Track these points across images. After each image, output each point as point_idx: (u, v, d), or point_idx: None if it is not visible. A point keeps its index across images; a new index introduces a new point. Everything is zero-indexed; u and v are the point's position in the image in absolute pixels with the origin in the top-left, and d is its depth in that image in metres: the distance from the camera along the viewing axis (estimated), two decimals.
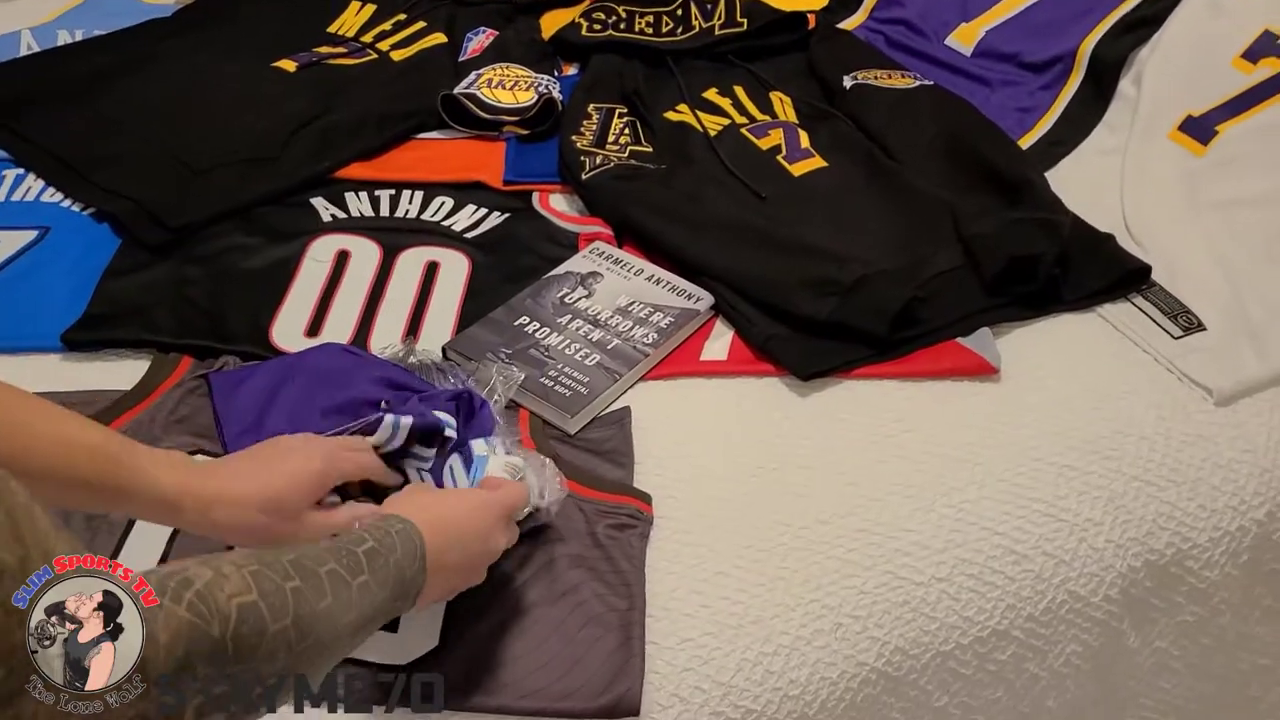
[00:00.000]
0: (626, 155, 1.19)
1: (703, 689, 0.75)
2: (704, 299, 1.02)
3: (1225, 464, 0.92)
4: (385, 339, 0.96)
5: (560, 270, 1.05)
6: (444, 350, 0.96)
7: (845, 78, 1.31)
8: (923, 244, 1.06)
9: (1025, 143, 1.26)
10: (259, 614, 0.48)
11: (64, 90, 1.27)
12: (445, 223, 1.13)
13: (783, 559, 0.82)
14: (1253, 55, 1.16)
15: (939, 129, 1.23)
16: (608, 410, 0.93)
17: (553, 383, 0.93)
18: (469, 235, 1.12)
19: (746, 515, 0.85)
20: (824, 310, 0.97)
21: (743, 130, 1.25)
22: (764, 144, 1.23)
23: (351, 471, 0.74)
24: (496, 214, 1.14)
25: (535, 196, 1.18)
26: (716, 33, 1.39)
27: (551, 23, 1.47)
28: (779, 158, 1.21)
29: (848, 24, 1.48)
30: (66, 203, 1.13)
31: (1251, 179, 1.12)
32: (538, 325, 0.99)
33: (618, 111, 1.26)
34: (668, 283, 1.04)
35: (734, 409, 0.94)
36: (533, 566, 0.79)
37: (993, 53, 1.36)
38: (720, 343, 1.00)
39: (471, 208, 1.15)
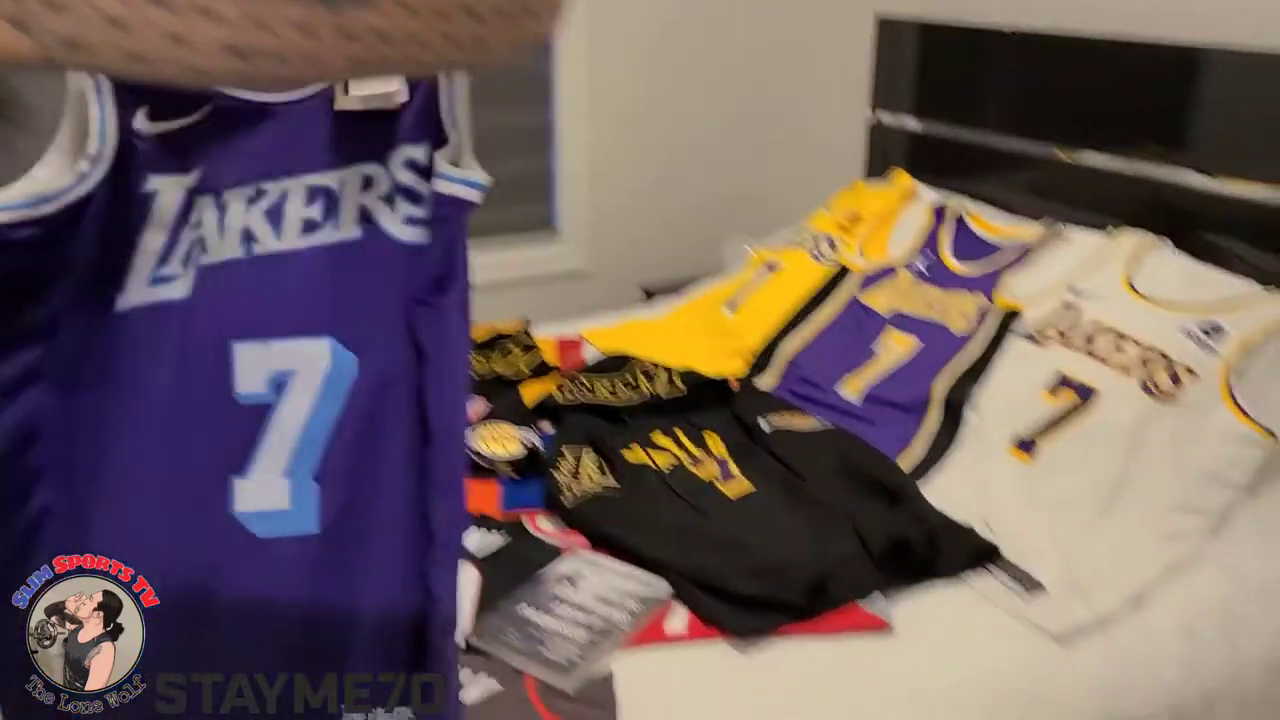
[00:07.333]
0: (597, 486, 1.54)
1: None
2: (664, 587, 1.32)
3: (1068, 688, 1.21)
4: None
5: (551, 573, 1.36)
6: (466, 641, 1.24)
7: (762, 421, 1.69)
8: (827, 538, 1.39)
9: (904, 464, 1.63)
10: None
11: None
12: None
13: None
14: (1054, 390, 1.58)
15: (837, 457, 1.60)
16: (596, 673, 1.20)
17: (551, 654, 1.21)
18: (479, 555, 1.42)
19: None
20: (756, 588, 1.27)
21: (686, 465, 1.61)
22: (703, 474, 1.58)
23: None
24: (499, 535, 1.46)
25: (526, 521, 1.50)
26: (662, 395, 1.79)
27: (529, 392, 1.87)
28: (715, 482, 1.56)
29: (762, 383, 1.90)
30: None
31: (1068, 480, 1.49)
32: (536, 612, 1.28)
33: (586, 452, 1.62)
34: (636, 577, 1.34)
35: (693, 666, 1.22)
36: None
37: (873, 399, 1.77)
38: (679, 618, 1.29)
39: (479, 531, 1.47)
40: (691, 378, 1.83)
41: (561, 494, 1.51)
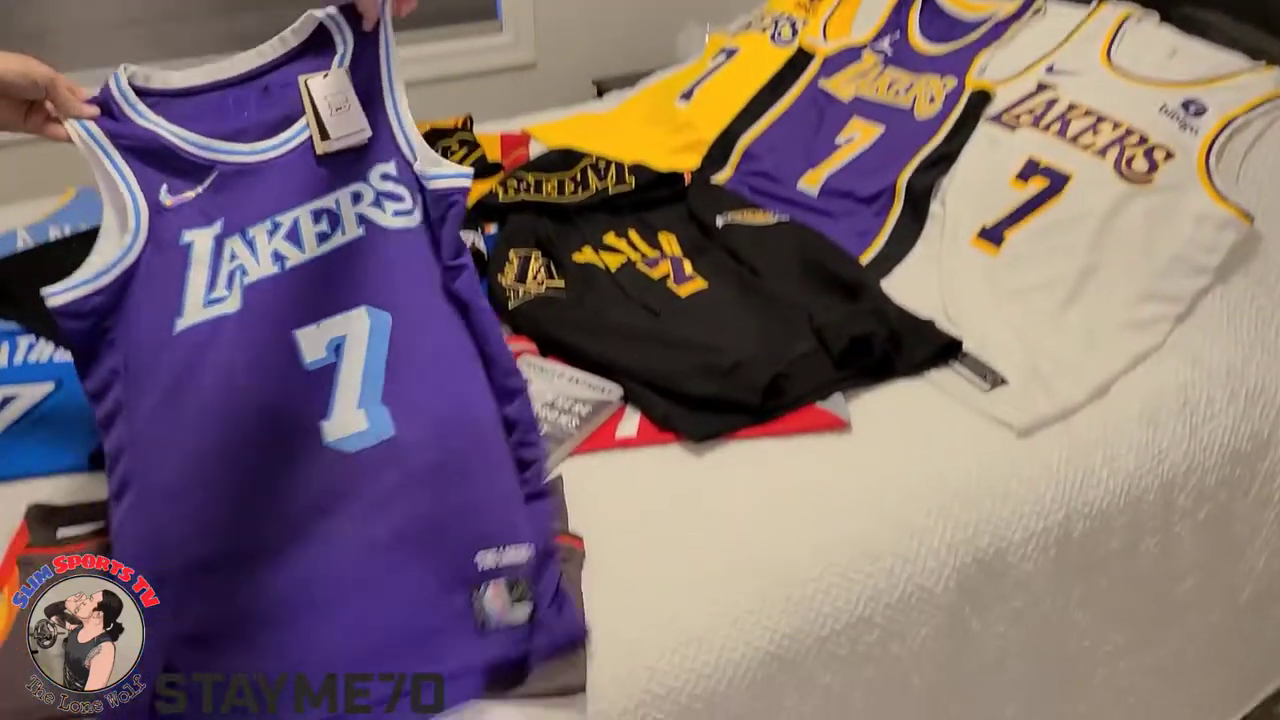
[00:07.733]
0: (543, 288, 1.46)
1: (634, 672, 0.96)
2: (615, 390, 1.26)
3: (1027, 480, 1.18)
4: None
5: None
6: None
7: (718, 218, 1.60)
8: (784, 336, 1.32)
9: (865, 259, 1.55)
10: None
11: (58, 272, 1.49)
12: None
13: (689, 572, 1.04)
14: (1024, 176, 1.49)
15: (794, 252, 1.52)
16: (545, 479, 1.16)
17: None
18: None
19: (661, 545, 1.07)
20: (710, 389, 1.22)
21: (637, 265, 1.53)
22: (655, 274, 1.51)
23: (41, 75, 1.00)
24: None
25: None
26: (610, 191, 1.69)
27: (471, 193, 1.75)
28: (668, 283, 1.49)
29: (717, 178, 1.79)
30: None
31: (1034, 270, 1.42)
32: None
33: (534, 255, 1.53)
34: (584, 381, 1.28)
35: (645, 470, 1.18)
36: None
37: (833, 192, 1.68)
38: (630, 423, 1.24)
39: None
40: (643, 174, 1.72)
41: (506, 298, 1.43)
